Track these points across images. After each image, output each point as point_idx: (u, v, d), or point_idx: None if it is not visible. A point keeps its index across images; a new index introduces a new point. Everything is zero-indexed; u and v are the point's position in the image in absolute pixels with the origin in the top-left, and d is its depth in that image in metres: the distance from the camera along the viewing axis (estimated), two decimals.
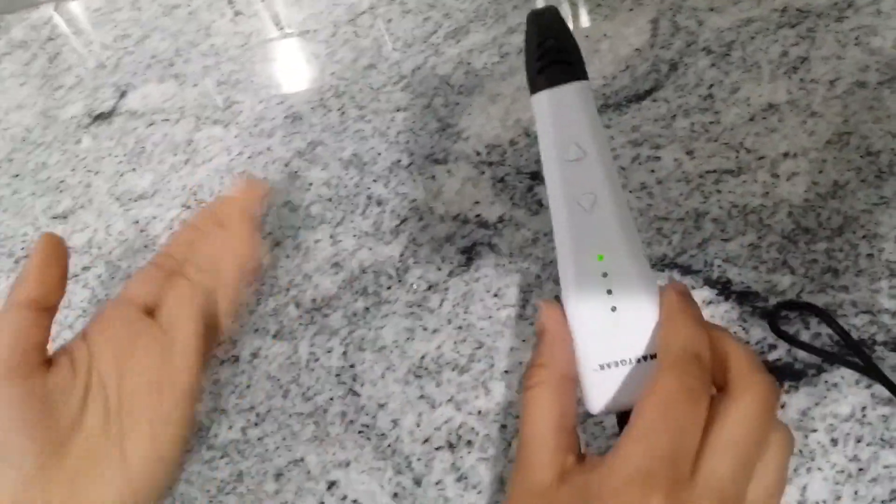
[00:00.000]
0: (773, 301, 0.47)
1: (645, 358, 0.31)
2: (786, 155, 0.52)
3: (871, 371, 0.42)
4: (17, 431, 0.35)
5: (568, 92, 0.33)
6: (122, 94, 0.74)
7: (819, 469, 0.41)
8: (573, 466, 0.30)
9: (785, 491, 0.30)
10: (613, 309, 0.31)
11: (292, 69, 0.69)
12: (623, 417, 0.31)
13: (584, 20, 0.64)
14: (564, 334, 0.32)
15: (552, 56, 0.33)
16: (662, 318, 0.31)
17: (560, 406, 0.31)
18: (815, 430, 0.42)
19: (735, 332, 0.46)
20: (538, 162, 0.42)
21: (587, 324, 0.32)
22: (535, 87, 0.33)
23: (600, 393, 0.32)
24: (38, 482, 0.35)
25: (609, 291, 0.31)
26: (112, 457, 0.37)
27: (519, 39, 0.64)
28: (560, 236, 0.32)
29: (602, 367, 0.31)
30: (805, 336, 0.45)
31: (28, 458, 0.35)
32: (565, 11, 0.65)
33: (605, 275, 0.31)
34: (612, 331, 0.31)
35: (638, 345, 0.31)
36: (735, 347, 0.31)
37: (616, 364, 0.31)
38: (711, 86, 0.57)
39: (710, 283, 0.48)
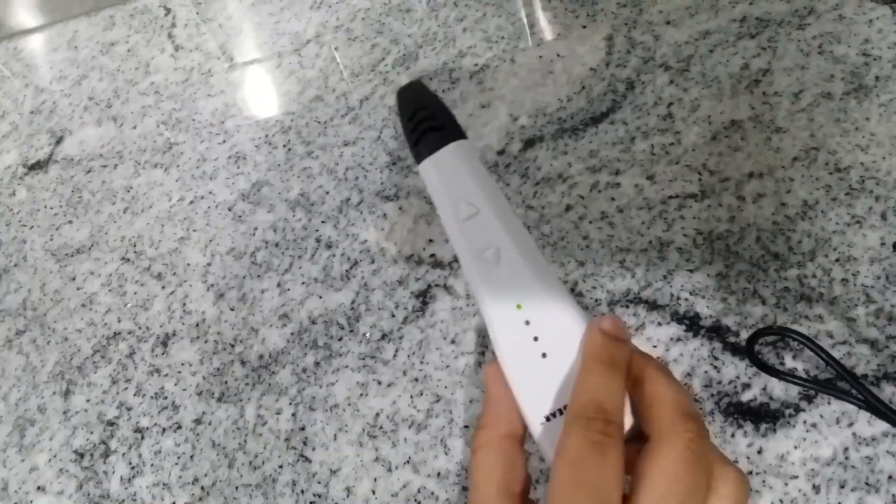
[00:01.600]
0: (744, 335, 0.44)
1: None
2: (751, 175, 0.50)
3: (866, 400, 0.38)
4: None
5: (448, 154, 0.34)
6: (59, 140, 0.70)
7: None
8: None
9: None
10: (544, 356, 0.31)
11: (235, 104, 0.66)
12: None
13: (537, 40, 0.61)
14: (503, 392, 0.31)
15: (426, 125, 0.35)
16: (578, 366, 0.30)
17: (503, 468, 0.30)
18: (795, 477, 0.39)
19: (706, 372, 0.43)
20: None
21: (522, 376, 0.31)
22: (418, 157, 0.35)
23: (554, 444, 0.30)
24: None
25: (535, 338, 0.31)
26: None
27: (470, 62, 0.61)
28: (476, 294, 0.32)
29: (548, 418, 0.30)
30: (782, 369, 0.42)
31: None
32: (519, 29, 0.62)
33: (527, 322, 0.31)
34: (547, 378, 0.30)
35: None
36: (661, 390, 0.29)
37: (560, 412, 0.30)
38: (671, 104, 0.54)
39: (677, 318, 0.45)
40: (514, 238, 0.32)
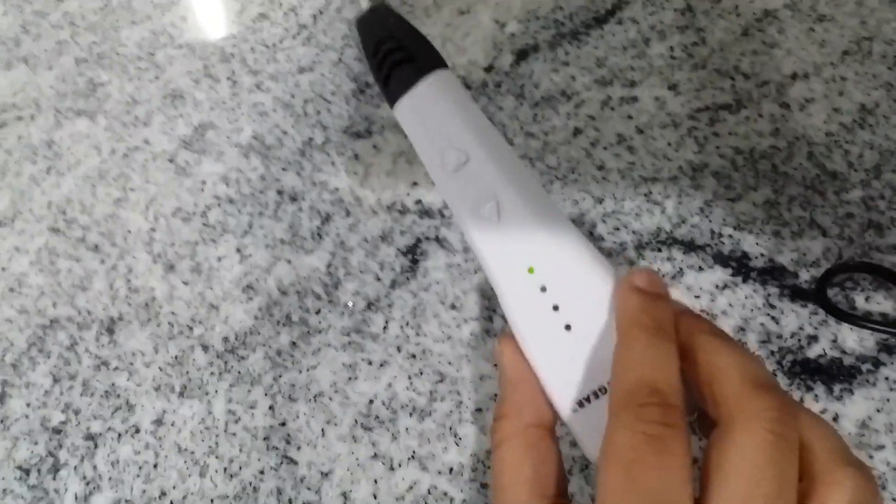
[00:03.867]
0: (804, 275, 0.37)
1: None
2: (794, 76, 0.41)
3: None
4: None
5: (424, 90, 0.28)
6: None
7: (894, 500, 0.32)
8: None
9: None
10: (567, 328, 0.26)
11: (165, 31, 0.55)
12: None
13: None
14: (524, 372, 0.26)
15: (394, 57, 0.28)
16: (615, 333, 0.25)
17: (532, 465, 0.25)
18: (881, 447, 0.33)
19: (762, 325, 0.36)
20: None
21: (544, 354, 0.26)
22: (391, 99, 0.29)
23: (592, 434, 0.25)
24: None
25: (555, 308, 0.26)
26: None
27: None
28: (480, 259, 0.27)
29: (581, 403, 0.25)
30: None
31: None
32: None
33: (543, 289, 0.26)
34: (575, 355, 0.25)
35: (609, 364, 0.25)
36: (721, 359, 0.23)
37: (597, 395, 0.25)
38: None
39: (721, 260, 0.38)
40: (515, 187, 0.27)
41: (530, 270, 0.26)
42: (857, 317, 0.34)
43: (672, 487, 0.21)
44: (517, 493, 0.24)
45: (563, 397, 0.26)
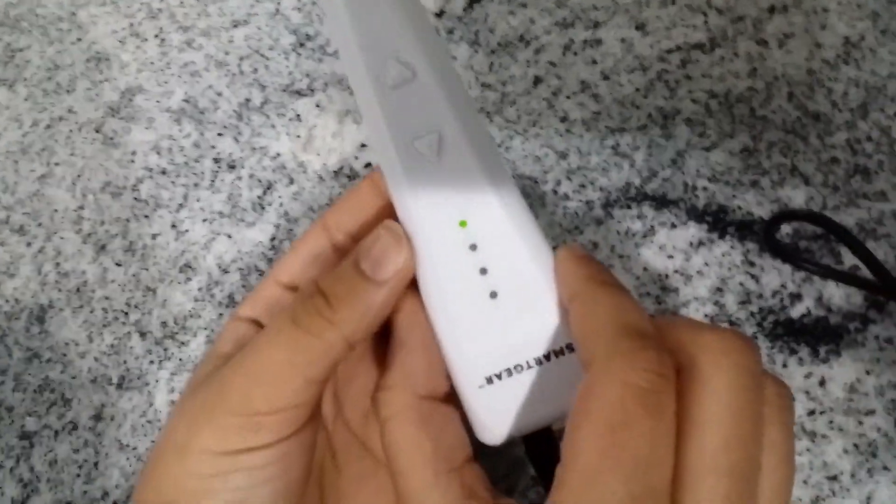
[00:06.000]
0: (786, 229, 0.34)
1: (549, 356, 0.23)
2: (772, 10, 0.37)
3: None
4: None
5: None
6: None
7: (885, 468, 0.30)
8: None
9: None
10: (493, 295, 0.23)
11: None
12: (533, 444, 0.23)
13: None
14: (423, 339, 0.23)
15: None
16: (568, 292, 0.22)
17: (432, 440, 0.22)
18: (871, 412, 0.30)
19: (741, 284, 0.33)
20: None
21: (460, 321, 0.23)
22: None
23: (492, 417, 0.23)
24: None
25: (483, 271, 0.23)
26: None
27: None
28: (400, 200, 0.23)
29: (490, 380, 0.23)
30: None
31: None
32: None
33: (473, 247, 0.23)
34: (495, 327, 0.23)
35: (538, 339, 0.23)
36: (677, 318, 0.22)
37: (510, 372, 0.23)
38: None
39: (695, 215, 0.35)
40: (463, 122, 0.23)
41: (462, 224, 0.23)
42: (805, 259, 0.31)
43: (658, 456, 0.18)
44: (422, 476, 0.22)
45: (471, 371, 0.23)
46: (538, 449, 0.24)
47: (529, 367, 0.23)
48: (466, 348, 0.23)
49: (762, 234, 0.32)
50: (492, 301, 0.23)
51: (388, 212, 0.25)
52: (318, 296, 0.23)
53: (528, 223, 0.23)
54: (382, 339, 0.25)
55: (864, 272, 0.31)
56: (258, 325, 0.27)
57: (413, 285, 0.24)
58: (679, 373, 0.19)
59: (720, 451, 0.18)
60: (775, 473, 0.19)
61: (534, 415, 0.23)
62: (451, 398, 0.24)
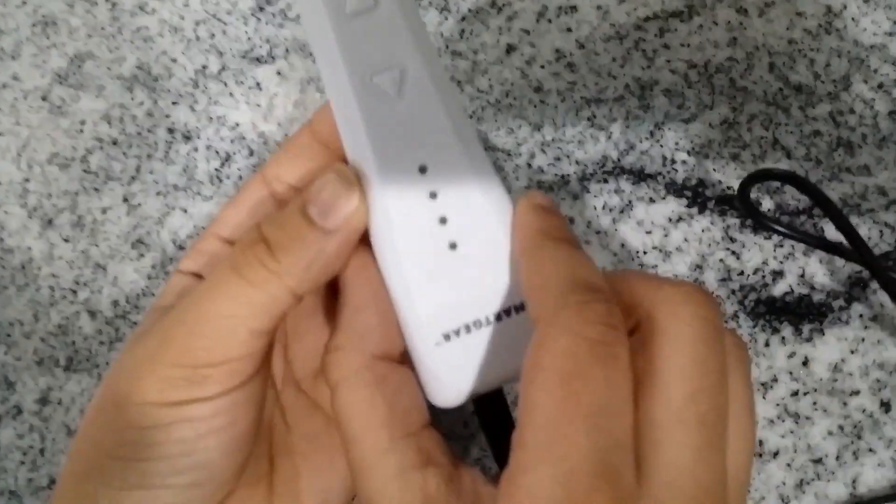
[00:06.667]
0: (768, 204, 0.33)
1: (508, 312, 0.22)
2: None
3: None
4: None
5: None
6: None
7: (871, 450, 0.29)
8: (442, 493, 0.19)
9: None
10: (453, 246, 0.22)
11: None
12: (484, 406, 0.23)
13: None
14: (374, 295, 0.22)
15: None
16: (519, 246, 0.21)
17: (385, 402, 0.21)
18: (856, 393, 0.30)
19: (721, 260, 0.32)
20: None
21: (415, 276, 0.21)
22: None
23: (448, 376, 0.22)
24: None
25: (443, 220, 0.21)
26: None
27: None
28: (353, 145, 0.22)
29: (447, 337, 0.21)
30: None
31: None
32: None
33: (433, 195, 0.21)
34: (454, 280, 0.21)
35: (494, 295, 0.22)
36: (633, 272, 0.23)
37: (467, 329, 0.21)
38: None
39: (674, 190, 0.33)
40: (427, 59, 0.22)
41: (421, 170, 0.21)
42: (778, 222, 0.31)
43: (616, 406, 0.17)
44: (376, 442, 0.20)
45: (427, 327, 0.22)
46: (491, 413, 0.22)
47: (488, 322, 0.22)
48: (423, 302, 0.21)
49: (737, 196, 0.31)
50: (451, 252, 0.21)
51: (332, 161, 0.24)
52: (260, 243, 0.22)
53: (489, 172, 0.22)
54: (334, 293, 0.24)
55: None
56: (200, 279, 0.26)
57: (363, 240, 0.22)
58: (638, 327, 0.19)
59: (688, 403, 0.18)
60: (739, 423, 0.19)
61: (490, 374, 0.22)
62: (406, 359, 0.22)
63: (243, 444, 0.23)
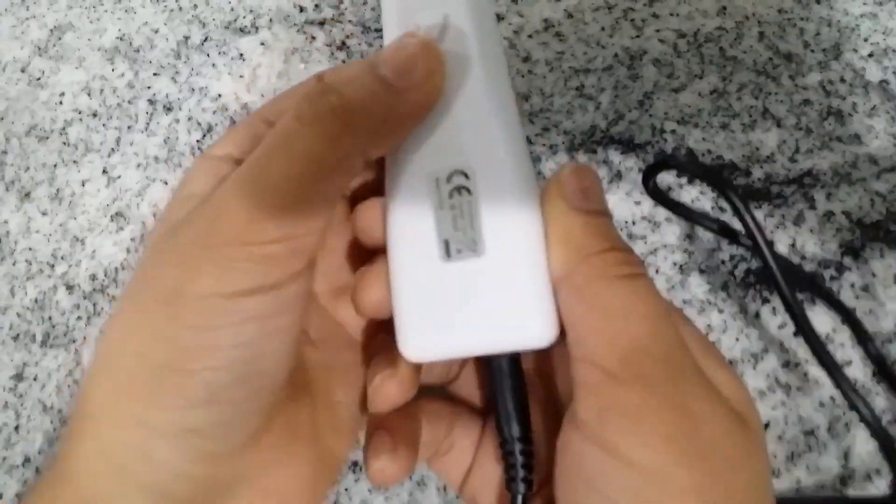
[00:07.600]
0: (758, 173, 0.32)
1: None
2: None
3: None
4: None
5: None
6: None
7: (861, 423, 0.28)
8: None
9: None
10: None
11: None
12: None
13: None
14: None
15: None
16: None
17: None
18: (848, 363, 0.29)
19: (712, 230, 0.32)
20: None
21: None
22: None
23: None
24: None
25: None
26: None
27: None
28: None
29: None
30: None
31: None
32: None
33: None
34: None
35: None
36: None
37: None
38: None
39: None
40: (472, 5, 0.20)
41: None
42: (687, 207, 0.30)
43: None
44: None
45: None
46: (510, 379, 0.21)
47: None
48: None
49: (642, 182, 0.30)
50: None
51: None
52: (331, 93, 0.19)
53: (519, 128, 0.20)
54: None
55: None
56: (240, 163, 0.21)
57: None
58: None
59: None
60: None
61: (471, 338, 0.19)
62: None
63: (293, 353, 0.20)
